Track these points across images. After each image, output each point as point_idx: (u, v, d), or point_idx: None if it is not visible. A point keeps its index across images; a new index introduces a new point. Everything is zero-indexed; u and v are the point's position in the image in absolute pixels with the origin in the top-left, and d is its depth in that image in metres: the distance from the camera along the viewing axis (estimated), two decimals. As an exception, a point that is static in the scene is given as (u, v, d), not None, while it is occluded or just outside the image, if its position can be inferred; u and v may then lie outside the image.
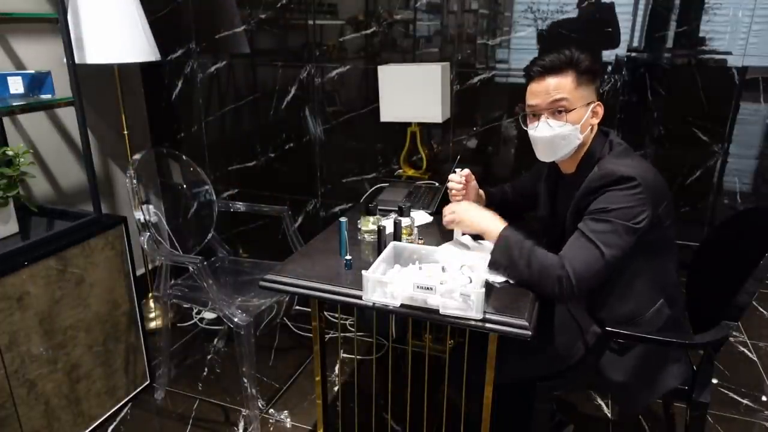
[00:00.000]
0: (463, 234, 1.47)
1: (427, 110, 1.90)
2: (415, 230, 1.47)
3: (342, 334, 2.36)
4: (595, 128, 1.33)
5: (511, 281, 1.25)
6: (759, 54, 1.71)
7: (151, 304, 2.48)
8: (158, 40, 2.12)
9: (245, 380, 1.79)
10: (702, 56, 1.77)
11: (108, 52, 1.94)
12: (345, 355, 2.26)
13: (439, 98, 1.88)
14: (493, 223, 1.31)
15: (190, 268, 1.77)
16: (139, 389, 2.01)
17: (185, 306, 2.40)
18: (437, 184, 1.93)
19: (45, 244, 1.62)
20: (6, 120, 1.90)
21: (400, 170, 2.15)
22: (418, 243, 1.44)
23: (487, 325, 1.12)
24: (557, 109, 1.27)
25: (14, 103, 1.63)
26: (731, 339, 2.12)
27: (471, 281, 1.15)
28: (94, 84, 2.25)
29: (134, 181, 1.81)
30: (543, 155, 1.35)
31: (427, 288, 1.14)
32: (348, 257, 1.36)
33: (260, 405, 1.95)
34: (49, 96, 1.73)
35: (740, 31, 1.71)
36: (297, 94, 2.30)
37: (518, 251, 1.22)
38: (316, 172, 2.39)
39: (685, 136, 1.85)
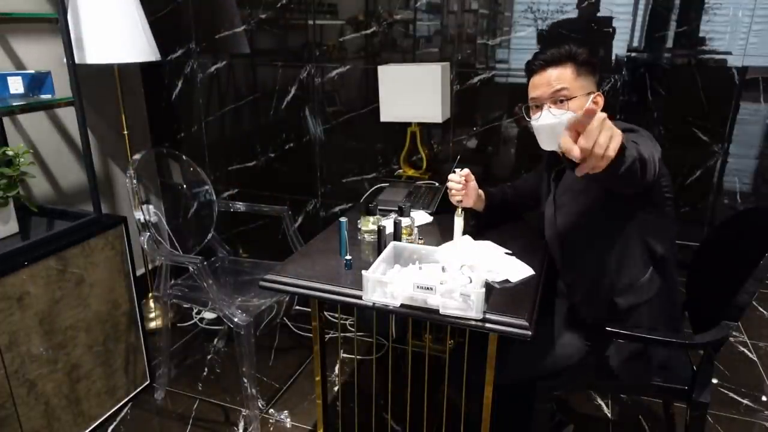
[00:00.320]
0: (464, 235, 1.47)
1: (427, 110, 1.90)
2: (415, 230, 1.47)
3: (342, 334, 2.36)
4: None
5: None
6: (759, 54, 1.71)
7: (151, 304, 2.48)
8: (158, 40, 2.12)
9: (245, 380, 1.79)
10: (702, 56, 1.77)
11: (108, 52, 1.94)
12: (345, 355, 2.26)
13: (439, 98, 1.88)
14: None
15: (190, 268, 1.77)
16: (139, 389, 2.01)
17: (185, 306, 2.40)
18: (437, 184, 1.93)
19: (45, 244, 1.62)
20: (6, 120, 1.90)
21: (400, 170, 2.15)
22: (418, 243, 1.45)
23: (487, 325, 1.12)
24: (559, 99, 1.30)
25: (14, 103, 1.63)
26: (731, 339, 2.12)
27: (471, 281, 1.15)
28: (94, 84, 2.25)
29: (134, 181, 1.81)
30: (546, 144, 1.35)
31: (427, 288, 1.14)
32: (348, 257, 1.36)
33: (260, 405, 1.95)
34: (49, 96, 1.73)
35: (740, 31, 1.71)
36: (297, 94, 2.30)
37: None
38: (316, 172, 2.39)
39: (685, 136, 1.85)
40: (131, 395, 1.98)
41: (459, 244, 1.45)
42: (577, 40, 1.83)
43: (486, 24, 1.98)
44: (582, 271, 1.37)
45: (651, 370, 1.35)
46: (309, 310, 1.62)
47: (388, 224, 1.42)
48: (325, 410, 1.57)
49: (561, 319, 1.46)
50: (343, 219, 1.41)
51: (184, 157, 2.13)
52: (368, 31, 2.12)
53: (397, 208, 1.55)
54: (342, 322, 2.43)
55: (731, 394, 1.95)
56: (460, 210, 1.47)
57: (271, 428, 1.86)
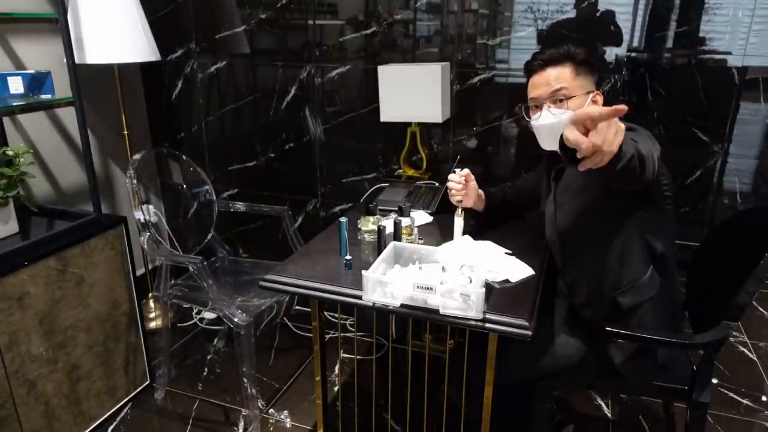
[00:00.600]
0: (464, 235, 1.47)
1: (427, 110, 1.90)
2: (415, 230, 1.47)
3: (342, 334, 2.37)
4: None
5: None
6: (759, 54, 1.71)
7: (151, 304, 2.48)
8: (158, 40, 2.12)
9: (245, 380, 1.79)
10: (702, 56, 1.77)
11: (108, 52, 1.94)
12: (345, 355, 2.26)
13: (439, 98, 1.88)
14: None
15: (190, 268, 1.77)
16: (139, 389, 2.01)
17: (185, 306, 2.40)
18: (437, 184, 1.93)
19: (45, 244, 1.62)
20: (6, 120, 1.90)
21: (400, 170, 2.15)
22: (418, 243, 1.45)
23: (487, 325, 1.12)
24: (558, 98, 1.30)
25: (14, 103, 1.63)
26: (731, 339, 2.12)
27: (471, 281, 1.15)
28: (94, 84, 2.25)
29: (134, 181, 1.81)
30: (546, 143, 1.35)
31: (427, 288, 1.14)
32: (348, 257, 1.36)
33: (260, 405, 1.95)
34: (49, 96, 1.73)
35: (740, 31, 1.71)
36: (297, 94, 2.30)
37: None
38: (316, 172, 2.39)
39: (685, 136, 1.84)
40: (131, 395, 1.98)
41: (459, 244, 1.45)
42: (577, 40, 1.83)
43: (486, 24, 1.98)
44: (583, 270, 1.37)
45: (654, 370, 1.35)
46: (309, 310, 1.62)
47: (388, 224, 1.42)
48: (325, 410, 1.57)
49: (561, 319, 1.46)
50: (343, 219, 1.41)
51: (184, 157, 2.13)
52: (368, 31, 2.12)
53: (397, 208, 1.55)
54: (342, 322, 2.43)
55: (731, 394, 1.95)
56: (460, 210, 1.47)
57: (271, 428, 1.86)
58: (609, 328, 1.25)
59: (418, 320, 1.46)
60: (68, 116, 2.15)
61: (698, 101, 1.80)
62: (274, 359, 2.24)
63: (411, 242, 1.43)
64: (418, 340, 2.18)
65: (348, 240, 1.40)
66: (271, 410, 1.94)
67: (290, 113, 2.34)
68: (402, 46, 2.10)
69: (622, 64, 1.84)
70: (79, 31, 1.89)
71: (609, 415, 1.90)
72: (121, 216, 1.87)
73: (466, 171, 1.50)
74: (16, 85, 1.67)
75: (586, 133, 0.90)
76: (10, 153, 1.60)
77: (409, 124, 2.06)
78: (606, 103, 1.34)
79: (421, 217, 1.69)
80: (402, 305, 1.18)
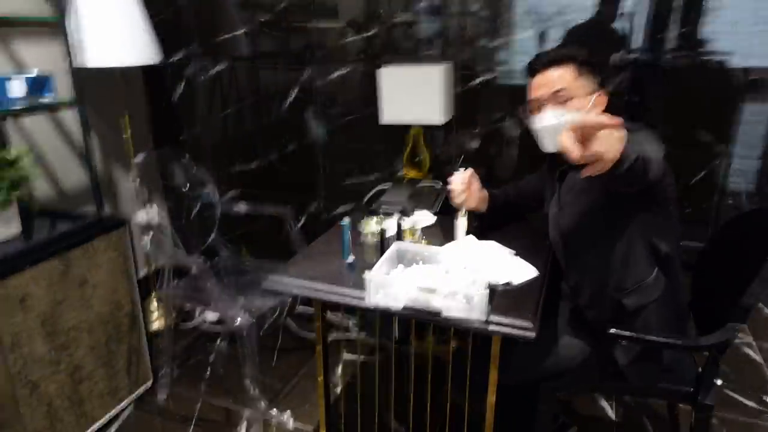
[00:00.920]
0: (468, 234, 1.46)
1: (428, 112, 1.90)
2: (418, 231, 1.47)
3: (345, 336, 2.36)
4: None
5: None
6: (761, 55, 1.70)
7: (154, 305, 2.48)
8: (160, 42, 2.12)
9: (248, 381, 1.79)
10: (704, 57, 1.76)
11: (109, 54, 1.94)
12: (347, 356, 2.25)
13: (441, 100, 1.87)
14: None
15: (193, 269, 1.77)
16: (141, 390, 2.01)
17: (188, 307, 2.40)
18: (440, 185, 1.92)
19: (47, 245, 1.62)
20: (8, 122, 1.90)
21: (403, 172, 2.15)
22: (421, 243, 1.44)
23: (491, 326, 1.12)
24: (560, 99, 1.30)
25: (16, 106, 1.63)
26: (736, 340, 2.11)
27: (474, 282, 1.15)
28: (95, 86, 2.25)
29: (137, 183, 1.81)
30: (548, 145, 1.34)
31: (430, 290, 1.14)
32: (350, 259, 1.36)
33: (262, 406, 1.95)
34: (50, 98, 1.73)
35: (742, 31, 1.70)
36: (298, 96, 2.30)
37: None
38: (319, 173, 2.38)
39: (688, 137, 1.84)
40: (134, 396, 1.98)
41: (462, 245, 1.44)
42: (579, 41, 1.83)
43: (487, 26, 1.97)
44: (587, 272, 1.36)
45: (659, 372, 1.34)
46: (312, 310, 1.62)
47: (391, 225, 1.42)
48: (328, 411, 1.57)
49: (564, 320, 1.45)
50: (345, 220, 1.40)
51: (186, 158, 2.13)
52: (369, 34, 2.12)
53: (399, 210, 1.55)
54: (345, 323, 2.43)
55: (736, 396, 1.93)
56: (463, 210, 1.46)
57: (274, 429, 1.85)
58: (613, 330, 1.24)
59: (421, 321, 1.46)
60: (70, 118, 2.16)
61: (701, 102, 1.80)
62: (276, 360, 2.24)
63: (415, 242, 1.42)
64: (421, 341, 2.18)
65: (350, 242, 1.40)
66: (273, 411, 1.94)
67: (292, 115, 2.34)
68: (403, 48, 2.09)
69: (625, 65, 1.83)
70: (80, 33, 1.89)
71: (613, 417, 1.89)
72: (123, 217, 1.87)
73: (470, 171, 1.50)
74: (18, 88, 1.67)
75: (585, 137, 0.90)
76: (13, 155, 1.60)
77: (411, 125, 2.05)
78: (609, 104, 1.34)
79: (425, 217, 1.68)
80: (405, 307, 1.17)
